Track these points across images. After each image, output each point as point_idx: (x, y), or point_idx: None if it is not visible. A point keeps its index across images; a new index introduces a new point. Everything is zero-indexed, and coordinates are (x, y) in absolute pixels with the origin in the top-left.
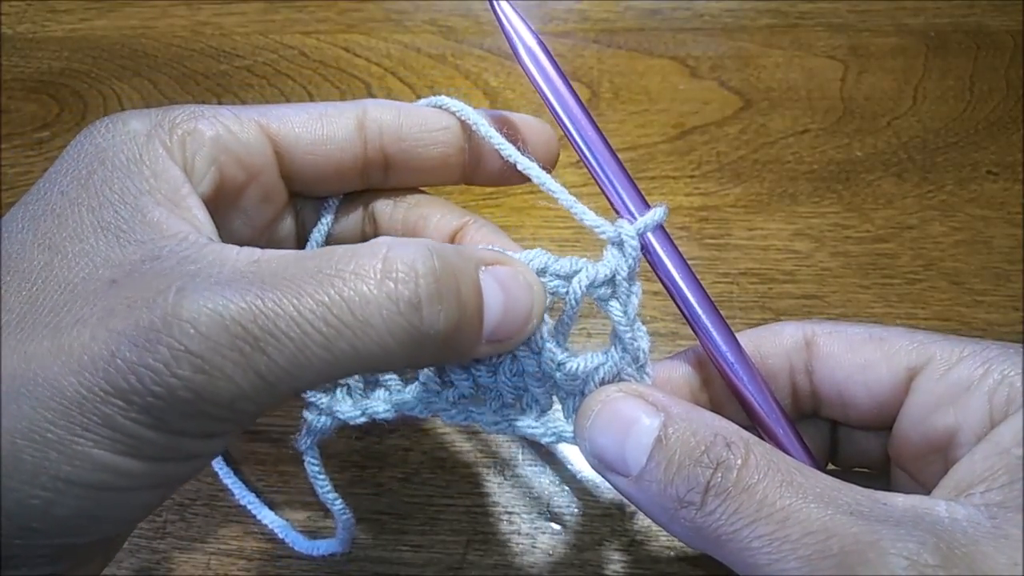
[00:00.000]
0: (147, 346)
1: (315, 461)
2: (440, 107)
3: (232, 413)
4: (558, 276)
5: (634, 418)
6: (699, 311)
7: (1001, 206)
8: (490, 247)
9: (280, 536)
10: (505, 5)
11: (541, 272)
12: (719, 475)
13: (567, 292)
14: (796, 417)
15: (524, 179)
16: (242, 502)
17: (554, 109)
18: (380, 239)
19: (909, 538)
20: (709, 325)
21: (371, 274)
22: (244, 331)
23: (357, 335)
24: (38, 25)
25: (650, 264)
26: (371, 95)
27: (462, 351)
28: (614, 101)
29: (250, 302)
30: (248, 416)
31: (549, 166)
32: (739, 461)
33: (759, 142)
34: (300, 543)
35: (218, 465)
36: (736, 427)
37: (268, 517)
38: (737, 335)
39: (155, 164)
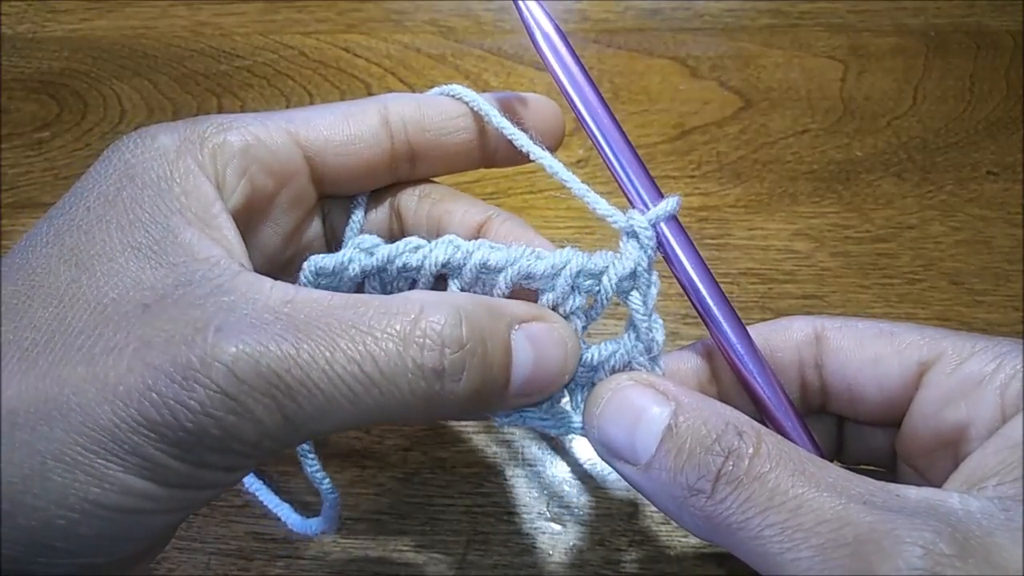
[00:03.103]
0: (183, 384)
1: None
2: (453, 96)
3: (256, 451)
4: (592, 275)
5: (644, 406)
6: (710, 302)
7: (1001, 206)
8: (531, 251)
9: (280, 517)
10: None
11: (578, 274)
12: (730, 463)
13: (600, 290)
14: (803, 412)
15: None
16: (249, 488)
17: (569, 95)
18: (415, 295)
19: (924, 528)
20: (720, 316)
21: (401, 336)
22: (278, 379)
23: (383, 393)
24: (38, 25)
25: (662, 254)
26: (371, 95)
27: (486, 408)
28: (614, 101)
29: (285, 351)
30: (269, 453)
31: (555, 143)
32: (751, 450)
33: (759, 142)
34: (296, 523)
35: None
36: (747, 417)
37: (271, 500)
38: (755, 325)
39: (186, 181)
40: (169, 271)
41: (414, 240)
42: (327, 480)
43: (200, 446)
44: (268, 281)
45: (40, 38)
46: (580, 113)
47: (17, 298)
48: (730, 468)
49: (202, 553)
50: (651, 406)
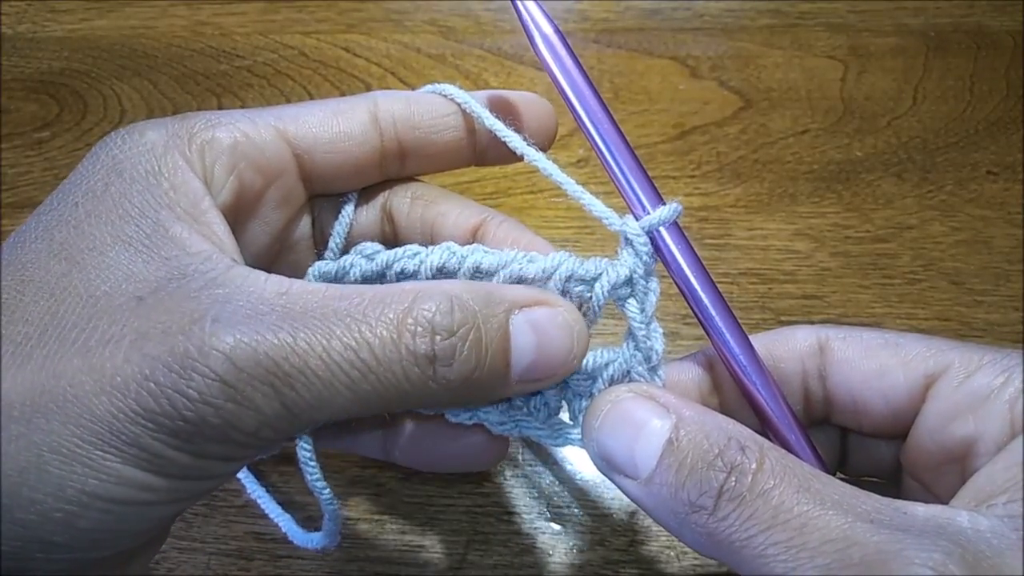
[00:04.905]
0: (182, 373)
1: (308, 447)
2: (444, 95)
3: (255, 440)
4: (583, 281)
5: (644, 420)
6: (712, 312)
7: (1001, 206)
8: (523, 255)
9: (281, 528)
10: None
11: (568, 279)
12: (733, 479)
13: (591, 297)
14: (807, 423)
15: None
16: (252, 495)
17: (568, 98)
18: (409, 286)
19: (934, 548)
20: (722, 326)
21: (394, 323)
22: (276, 367)
23: (380, 379)
24: (38, 25)
25: (662, 261)
26: None
27: (488, 394)
28: (614, 101)
29: (283, 339)
30: (268, 443)
31: (547, 143)
32: (754, 465)
33: (759, 142)
34: (298, 536)
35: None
36: (749, 431)
37: (273, 510)
38: (757, 335)
39: (174, 176)
40: (161, 264)
41: (413, 247)
42: (327, 490)
43: (199, 436)
44: (262, 274)
45: (40, 38)
46: (579, 116)
47: (8, 293)
48: (733, 484)
49: (202, 553)
50: (651, 419)
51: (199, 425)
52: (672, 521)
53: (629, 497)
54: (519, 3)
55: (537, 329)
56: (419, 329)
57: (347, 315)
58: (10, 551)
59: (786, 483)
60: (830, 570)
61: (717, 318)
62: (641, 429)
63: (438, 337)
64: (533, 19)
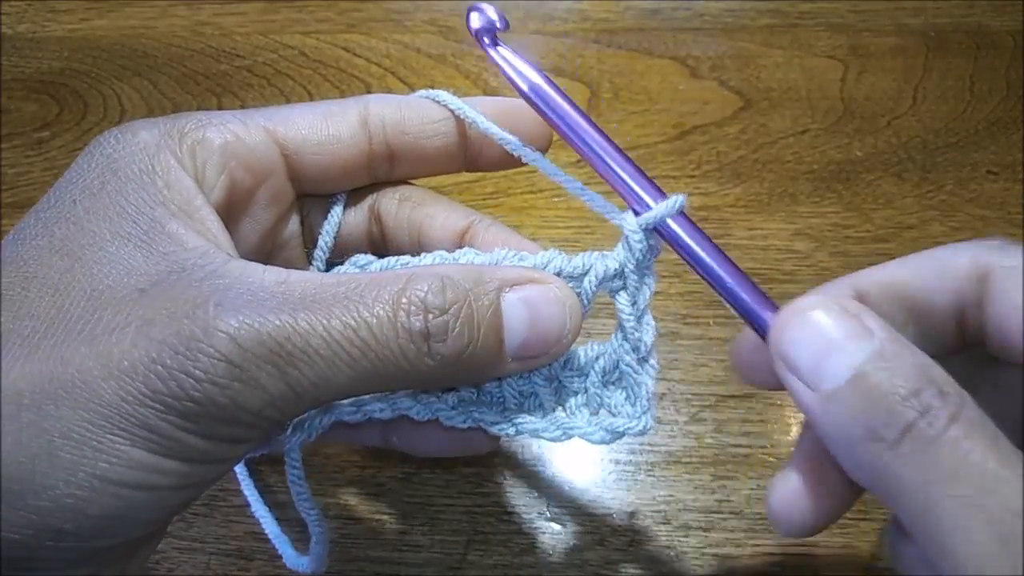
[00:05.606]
0: (188, 354)
1: (296, 464)
2: (437, 101)
3: (260, 420)
4: (572, 277)
5: (842, 335)
6: (737, 289)
7: (1001, 206)
8: (514, 253)
9: (278, 549)
10: (503, 51)
11: (556, 275)
12: (925, 420)
13: (580, 292)
14: (958, 347)
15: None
16: (254, 511)
17: (564, 133)
18: (404, 270)
19: None
20: (749, 300)
21: (390, 302)
22: (279, 347)
23: (379, 356)
24: (38, 25)
25: (676, 251)
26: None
27: (484, 372)
28: (614, 101)
29: (284, 320)
30: (272, 424)
31: (544, 147)
32: (948, 412)
33: (759, 142)
34: (291, 559)
35: (241, 475)
36: (949, 377)
37: (273, 531)
38: (903, 259)
39: (167, 175)
40: (161, 259)
41: (404, 257)
42: (315, 511)
43: (206, 416)
44: (260, 266)
45: (40, 38)
46: (562, 129)
47: (12, 289)
48: (924, 425)
49: (202, 553)
50: (851, 336)
51: (206, 405)
52: (840, 440)
53: (796, 401)
54: (503, 64)
55: (529, 306)
56: (412, 308)
57: (344, 297)
58: (20, 540)
59: (977, 436)
60: (1001, 540)
61: (741, 293)
62: (837, 345)
63: (431, 315)
64: (521, 74)
